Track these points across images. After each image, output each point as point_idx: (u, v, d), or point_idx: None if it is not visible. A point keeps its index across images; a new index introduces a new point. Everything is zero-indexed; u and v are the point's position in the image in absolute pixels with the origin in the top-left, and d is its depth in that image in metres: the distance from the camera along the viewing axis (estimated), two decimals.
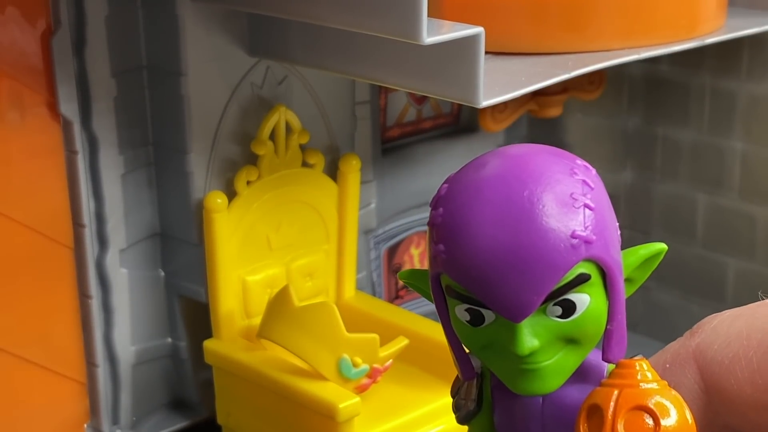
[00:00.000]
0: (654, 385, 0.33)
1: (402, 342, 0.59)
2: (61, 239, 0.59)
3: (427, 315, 0.71)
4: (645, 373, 0.33)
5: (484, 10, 0.60)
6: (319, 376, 0.57)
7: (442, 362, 0.62)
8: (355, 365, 0.57)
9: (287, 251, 0.63)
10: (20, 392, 0.59)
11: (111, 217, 0.60)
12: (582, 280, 0.33)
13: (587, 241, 0.32)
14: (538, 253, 0.32)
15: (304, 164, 0.63)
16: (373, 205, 0.71)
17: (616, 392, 0.33)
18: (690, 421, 0.32)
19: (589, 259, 0.33)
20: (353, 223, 0.66)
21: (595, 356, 0.35)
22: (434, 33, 0.49)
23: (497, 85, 0.54)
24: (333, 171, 0.65)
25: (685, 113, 0.75)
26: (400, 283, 0.75)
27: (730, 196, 0.74)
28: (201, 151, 0.60)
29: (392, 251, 0.74)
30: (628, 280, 0.35)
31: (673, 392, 0.33)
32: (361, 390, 0.57)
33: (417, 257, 0.75)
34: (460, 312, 0.34)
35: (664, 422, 0.32)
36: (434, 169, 0.74)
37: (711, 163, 0.74)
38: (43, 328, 0.59)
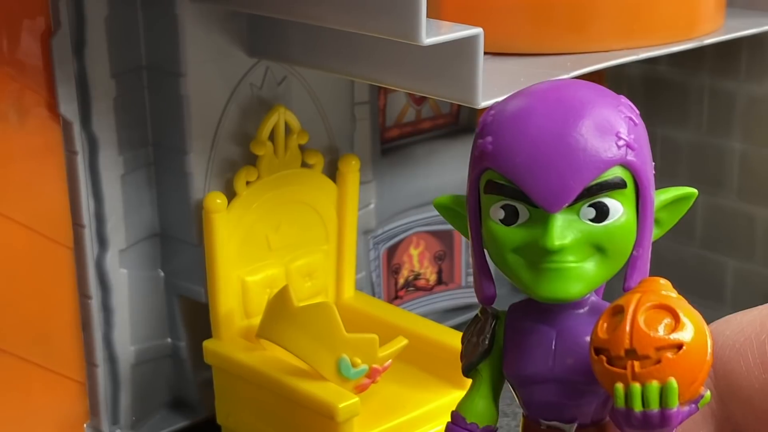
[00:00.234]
0: (675, 295, 0.33)
1: (401, 342, 0.59)
2: (60, 239, 0.59)
3: (426, 315, 0.72)
4: (668, 287, 0.34)
5: (483, 11, 0.60)
6: (318, 376, 0.57)
7: (441, 362, 0.62)
8: (354, 365, 0.57)
9: (287, 251, 0.64)
10: (20, 392, 0.59)
11: (111, 217, 0.60)
12: (618, 184, 0.34)
13: (629, 146, 0.34)
14: (584, 143, 0.34)
15: (304, 164, 0.63)
16: (372, 206, 0.71)
17: (639, 295, 0.33)
18: (707, 331, 0.33)
19: (627, 167, 0.34)
20: (353, 224, 0.66)
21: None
22: (433, 34, 0.49)
23: (496, 85, 0.54)
24: (332, 171, 0.65)
25: (684, 114, 0.75)
26: (400, 283, 0.75)
27: (729, 197, 0.74)
28: (200, 151, 0.60)
29: (392, 251, 0.74)
30: (656, 221, 0.36)
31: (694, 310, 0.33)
32: (360, 390, 0.57)
33: (416, 257, 0.76)
34: (495, 211, 0.35)
35: (683, 320, 0.32)
36: (434, 169, 0.74)
37: (710, 164, 0.74)
38: (42, 328, 0.59)
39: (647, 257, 0.36)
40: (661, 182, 0.36)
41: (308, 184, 0.63)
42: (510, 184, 0.34)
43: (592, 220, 0.34)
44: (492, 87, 0.53)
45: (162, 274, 0.64)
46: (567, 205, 0.34)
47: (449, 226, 0.76)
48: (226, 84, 0.61)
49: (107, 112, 0.59)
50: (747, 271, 0.75)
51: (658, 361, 0.32)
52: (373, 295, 0.72)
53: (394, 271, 0.74)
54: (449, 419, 0.38)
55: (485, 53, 0.51)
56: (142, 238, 0.62)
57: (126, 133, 0.60)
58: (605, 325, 0.33)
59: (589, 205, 0.34)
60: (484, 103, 0.51)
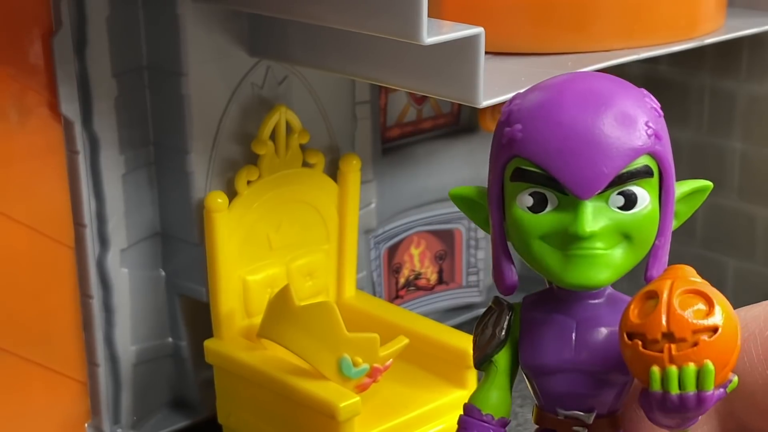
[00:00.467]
0: (701, 281, 0.34)
1: (402, 341, 0.59)
2: (61, 239, 0.59)
3: (427, 314, 0.72)
4: (694, 273, 0.34)
5: (484, 11, 0.60)
6: (319, 376, 0.57)
7: (442, 362, 0.62)
8: (355, 365, 0.57)
9: (287, 251, 0.64)
10: (21, 392, 0.59)
11: (112, 216, 0.60)
12: (646, 172, 0.35)
13: (657, 136, 0.35)
14: (615, 131, 0.34)
15: (305, 164, 0.63)
16: (373, 205, 0.71)
17: (671, 281, 0.34)
18: (737, 319, 0.33)
19: (654, 156, 0.35)
20: (353, 223, 0.66)
21: (626, 296, 0.36)
22: (434, 33, 0.49)
23: (497, 85, 0.54)
24: (333, 171, 0.65)
25: (684, 113, 0.75)
26: (400, 282, 0.75)
27: (729, 196, 0.74)
28: (201, 151, 0.60)
29: (392, 251, 0.74)
30: (675, 214, 0.36)
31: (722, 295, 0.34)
32: (361, 389, 0.58)
33: (417, 257, 0.76)
34: (523, 199, 0.35)
35: (717, 305, 0.33)
36: (434, 169, 0.74)
37: (710, 163, 0.74)
38: (44, 328, 0.59)
39: (667, 247, 0.36)
40: None
41: (309, 184, 0.63)
42: (540, 170, 0.34)
43: (620, 208, 0.35)
44: (493, 86, 0.53)
45: (163, 273, 0.64)
46: (598, 192, 0.34)
47: (450, 226, 0.76)
48: (227, 83, 0.61)
49: (108, 112, 0.59)
50: (747, 271, 0.75)
51: (695, 344, 0.32)
52: (374, 294, 0.72)
53: (394, 270, 0.74)
54: (461, 412, 0.38)
55: (486, 53, 0.51)
56: (143, 237, 0.62)
57: (127, 132, 0.60)
58: (637, 310, 0.34)
59: (618, 193, 0.35)
60: (485, 103, 0.52)
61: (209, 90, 0.60)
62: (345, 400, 0.56)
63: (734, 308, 0.35)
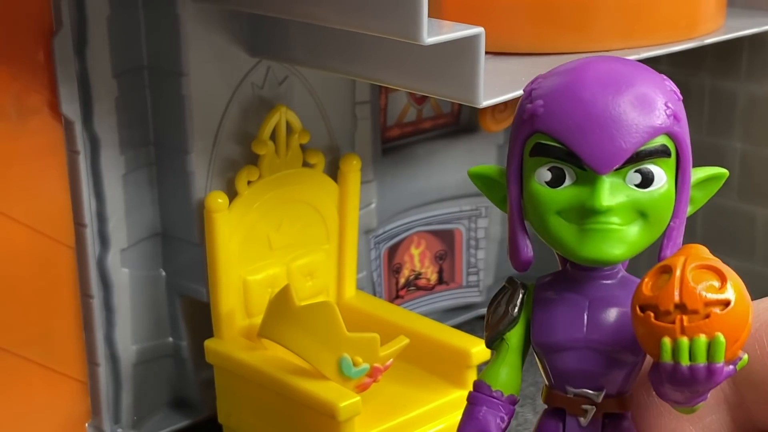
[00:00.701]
0: (717, 259, 0.34)
1: (402, 341, 0.59)
2: (62, 239, 0.59)
3: (427, 314, 0.72)
4: (707, 252, 0.35)
5: (484, 11, 0.60)
6: (319, 376, 0.57)
7: (442, 361, 0.62)
8: (355, 364, 0.57)
9: (288, 251, 0.64)
10: (21, 391, 0.59)
11: (112, 216, 0.60)
12: (664, 151, 0.35)
13: (675, 117, 0.36)
14: (635, 110, 0.35)
15: (305, 164, 0.63)
16: (373, 205, 0.71)
17: (684, 257, 0.34)
18: (748, 297, 0.34)
19: (672, 137, 0.36)
20: (354, 223, 0.66)
21: (638, 279, 0.36)
22: (435, 33, 0.49)
23: (497, 85, 0.54)
24: (333, 171, 0.65)
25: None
26: (401, 282, 0.75)
27: (729, 196, 0.74)
28: (202, 151, 0.60)
29: (392, 251, 0.74)
30: (691, 200, 0.37)
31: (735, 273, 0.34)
32: (361, 389, 0.58)
33: (417, 257, 0.76)
34: (542, 174, 0.36)
35: (729, 280, 0.33)
36: (434, 169, 0.74)
37: (710, 163, 0.73)
38: (44, 328, 0.59)
39: (682, 230, 0.37)
40: None
41: (309, 184, 0.63)
42: (560, 145, 0.35)
43: (637, 186, 0.35)
44: (493, 86, 0.53)
45: (163, 273, 0.64)
46: (616, 167, 0.35)
47: (450, 226, 0.76)
48: (227, 84, 0.61)
49: (109, 112, 0.59)
50: (747, 271, 0.75)
51: (707, 316, 0.33)
52: (374, 294, 0.72)
53: (395, 270, 0.75)
54: (471, 389, 0.39)
55: (486, 53, 0.51)
56: (144, 237, 0.62)
57: (127, 132, 0.60)
58: (651, 283, 0.34)
59: (636, 171, 0.35)
60: (485, 103, 0.52)
61: (209, 90, 0.60)
62: (345, 399, 0.56)
63: None
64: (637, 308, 0.34)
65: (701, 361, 0.33)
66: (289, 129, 0.62)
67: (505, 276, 0.38)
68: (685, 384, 0.33)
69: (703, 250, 0.34)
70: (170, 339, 0.65)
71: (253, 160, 0.61)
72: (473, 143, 0.75)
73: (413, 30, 0.48)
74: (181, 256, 0.63)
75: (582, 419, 0.37)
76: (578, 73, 0.36)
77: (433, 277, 0.77)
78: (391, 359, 0.58)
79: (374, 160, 0.70)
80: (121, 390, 0.63)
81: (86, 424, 0.62)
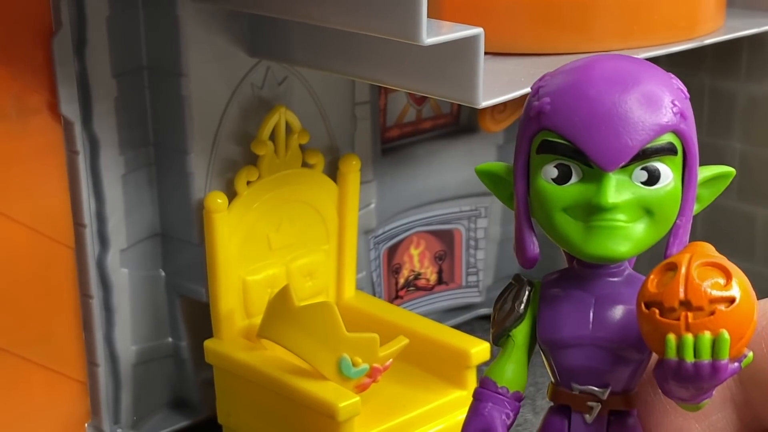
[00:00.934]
0: (722, 257, 0.34)
1: (402, 342, 0.59)
2: (61, 239, 0.59)
3: (427, 315, 0.72)
4: (713, 249, 0.35)
5: (483, 11, 0.60)
6: (319, 376, 0.57)
7: (442, 362, 0.62)
8: (355, 365, 0.57)
9: (287, 251, 0.64)
10: (21, 392, 0.59)
11: (112, 217, 0.60)
12: (671, 149, 0.35)
13: (682, 114, 0.36)
14: (642, 105, 0.35)
15: (304, 164, 0.63)
16: (373, 205, 0.71)
17: (689, 254, 0.34)
18: (754, 294, 0.34)
19: (679, 135, 0.36)
20: (353, 223, 0.66)
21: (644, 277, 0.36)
22: (434, 34, 0.49)
23: (497, 85, 0.54)
24: (333, 171, 0.65)
25: None
26: (400, 282, 0.75)
27: (729, 197, 0.74)
28: (201, 151, 0.60)
29: (392, 251, 0.74)
30: (697, 198, 0.37)
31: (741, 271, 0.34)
32: (361, 389, 0.58)
33: (417, 257, 0.76)
34: (548, 171, 0.36)
35: (734, 278, 0.34)
36: (434, 169, 0.74)
37: (710, 164, 0.74)
38: (43, 328, 0.59)
39: (688, 228, 0.37)
40: None
41: (309, 184, 0.63)
42: (567, 142, 0.35)
43: (643, 183, 0.35)
44: (492, 87, 0.53)
45: (163, 273, 0.64)
46: (622, 165, 0.35)
47: (450, 226, 0.76)
48: (227, 84, 0.61)
49: (108, 112, 0.59)
50: (747, 271, 0.74)
51: (712, 313, 0.33)
52: (374, 294, 0.72)
53: (394, 270, 0.75)
54: (477, 385, 0.39)
55: (486, 53, 0.51)
56: (143, 237, 0.62)
57: (127, 133, 0.60)
58: (656, 280, 0.34)
59: (642, 168, 0.35)
60: (484, 103, 0.52)
61: (209, 90, 0.60)
62: (345, 400, 0.56)
63: None
64: (643, 305, 0.34)
65: (706, 358, 0.33)
66: (289, 129, 0.62)
67: (505, 276, 0.38)
68: (689, 381, 0.33)
69: (709, 248, 0.35)
70: (170, 339, 0.65)
71: (253, 160, 0.61)
72: (473, 144, 0.75)
73: (412, 30, 0.48)
74: (180, 257, 0.63)
75: (587, 416, 0.37)
76: (585, 71, 0.36)
77: (433, 278, 0.77)
78: (391, 359, 0.58)
79: (374, 161, 0.70)
80: (121, 390, 0.63)
81: (86, 425, 0.62)
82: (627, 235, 0.35)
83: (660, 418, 0.38)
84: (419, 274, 0.76)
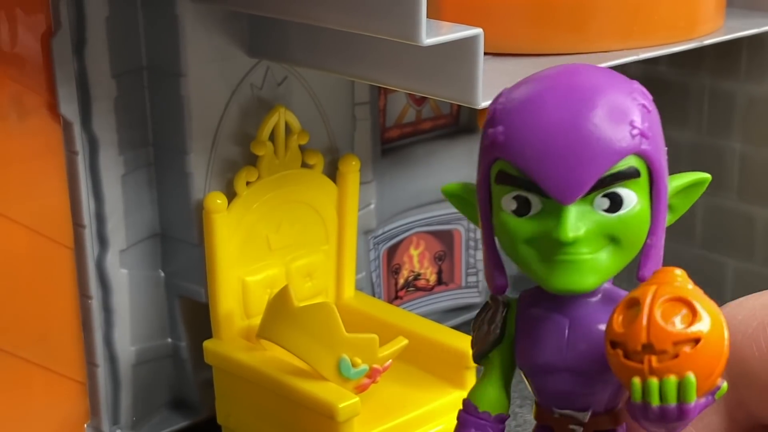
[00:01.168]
0: (692, 287, 0.33)
1: (401, 342, 0.59)
2: (61, 240, 0.59)
3: (426, 315, 0.72)
4: (684, 278, 0.33)
5: (483, 12, 0.60)
6: (318, 376, 0.57)
7: (441, 362, 0.62)
8: (354, 365, 0.57)
9: (287, 251, 0.64)
10: (20, 392, 0.59)
11: (111, 217, 0.60)
12: (632, 173, 0.34)
13: (643, 135, 0.34)
14: (597, 134, 0.33)
15: (304, 165, 0.63)
16: (372, 206, 0.71)
17: (654, 287, 0.33)
18: (723, 322, 0.32)
19: (641, 156, 0.34)
20: (353, 224, 0.66)
21: (623, 291, 0.35)
22: (433, 34, 0.49)
23: (496, 85, 0.53)
24: (332, 171, 0.65)
25: (683, 114, 0.75)
26: (400, 283, 0.75)
27: (729, 197, 0.74)
28: (201, 151, 0.60)
29: (392, 251, 0.74)
30: (670, 207, 0.36)
31: (710, 300, 0.33)
32: (360, 390, 0.58)
33: (416, 257, 0.76)
34: (507, 202, 0.35)
35: (700, 313, 0.32)
36: (434, 170, 0.74)
37: (710, 164, 0.74)
38: (43, 328, 0.59)
39: (661, 245, 0.35)
40: None
41: (308, 185, 0.63)
42: (522, 175, 0.34)
43: (606, 211, 0.34)
44: (492, 87, 0.53)
45: (162, 274, 0.64)
46: (581, 196, 0.33)
47: (449, 226, 0.76)
48: (226, 84, 0.61)
49: (108, 113, 0.59)
50: (747, 271, 0.75)
51: (676, 356, 0.32)
52: (373, 295, 0.72)
53: (394, 271, 0.74)
54: (461, 407, 0.38)
55: (485, 53, 0.51)
56: (143, 238, 0.62)
57: (126, 133, 0.60)
58: (621, 318, 0.33)
59: (603, 196, 0.34)
60: (484, 104, 0.52)
61: (208, 91, 0.60)
62: (344, 400, 0.56)
63: None
64: (609, 343, 0.33)
65: (672, 401, 0.32)
66: (288, 130, 0.62)
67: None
68: (657, 422, 0.32)
69: (677, 276, 0.33)
70: (169, 340, 0.65)
71: (252, 160, 0.61)
72: (472, 144, 0.75)
73: (412, 31, 0.48)
74: (180, 257, 0.63)
75: None
76: (538, 94, 0.34)
77: (432, 278, 0.77)
78: (390, 360, 0.58)
79: (373, 161, 0.70)
80: (120, 391, 0.63)
81: (85, 425, 0.62)
82: (592, 268, 0.34)
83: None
84: (419, 274, 0.76)
